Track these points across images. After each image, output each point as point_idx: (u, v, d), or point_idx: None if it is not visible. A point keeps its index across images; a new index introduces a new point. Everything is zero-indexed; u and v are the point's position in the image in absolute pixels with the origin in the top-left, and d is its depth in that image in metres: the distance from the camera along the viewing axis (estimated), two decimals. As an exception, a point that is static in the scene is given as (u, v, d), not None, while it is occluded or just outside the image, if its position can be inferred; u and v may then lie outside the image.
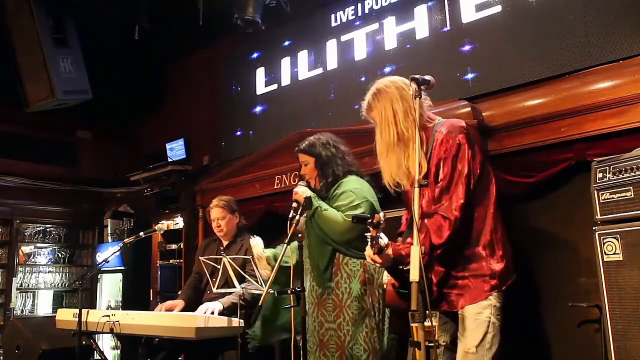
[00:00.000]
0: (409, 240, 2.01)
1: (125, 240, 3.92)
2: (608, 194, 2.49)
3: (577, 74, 3.26)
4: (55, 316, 3.64)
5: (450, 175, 2.05)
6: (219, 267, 3.31)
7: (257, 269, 2.94)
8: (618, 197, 2.45)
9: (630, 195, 2.40)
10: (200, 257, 3.51)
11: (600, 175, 2.54)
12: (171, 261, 5.70)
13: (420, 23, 4.10)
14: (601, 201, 2.51)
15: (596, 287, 2.51)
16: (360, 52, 4.48)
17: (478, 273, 2.05)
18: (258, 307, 2.47)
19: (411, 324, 1.64)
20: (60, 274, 6.97)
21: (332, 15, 4.74)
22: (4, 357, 4.74)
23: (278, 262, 2.55)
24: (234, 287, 3.15)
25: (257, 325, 3.08)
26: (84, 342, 3.50)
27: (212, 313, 3.16)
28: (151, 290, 5.86)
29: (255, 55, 5.41)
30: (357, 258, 2.69)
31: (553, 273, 3.15)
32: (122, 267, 6.16)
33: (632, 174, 2.42)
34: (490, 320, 2.02)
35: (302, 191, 2.73)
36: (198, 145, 5.96)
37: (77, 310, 3.31)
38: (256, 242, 3.02)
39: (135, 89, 6.28)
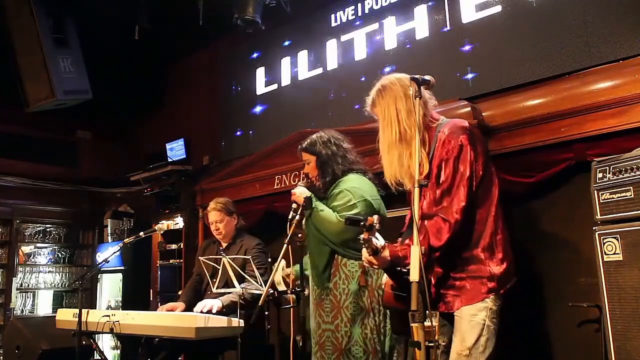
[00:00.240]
0: (407, 241, 2.01)
1: (125, 240, 3.92)
2: (608, 194, 2.49)
3: (577, 74, 3.26)
4: (55, 316, 3.64)
5: (452, 177, 2.02)
6: (219, 267, 3.31)
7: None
8: (618, 197, 2.45)
9: (630, 195, 2.40)
10: (200, 258, 3.51)
11: (600, 175, 2.54)
12: (171, 261, 5.70)
13: (420, 23, 4.10)
14: (601, 201, 2.51)
15: (596, 287, 2.51)
16: (360, 52, 4.48)
17: (476, 275, 2.03)
18: (258, 307, 2.47)
19: (411, 324, 1.64)
20: (60, 274, 6.97)
21: (332, 15, 4.74)
22: (4, 357, 4.74)
23: (278, 262, 2.55)
24: (234, 287, 3.15)
25: None
26: (84, 342, 3.50)
27: (211, 310, 3.16)
28: (151, 290, 5.86)
29: (255, 55, 5.41)
30: (355, 259, 2.68)
31: (553, 273, 3.15)
32: (122, 267, 6.16)
33: (632, 174, 2.42)
34: (485, 323, 1.99)
35: (300, 192, 2.72)
36: (198, 145, 5.96)
37: (77, 310, 3.31)
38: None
39: (135, 89, 6.28)
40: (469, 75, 3.76)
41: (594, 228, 2.50)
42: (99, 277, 6.65)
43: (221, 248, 3.72)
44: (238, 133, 5.46)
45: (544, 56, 3.41)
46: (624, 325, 2.33)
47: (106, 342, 5.99)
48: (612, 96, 2.93)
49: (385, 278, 2.36)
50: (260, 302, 2.47)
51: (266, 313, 3.94)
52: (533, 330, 3.14)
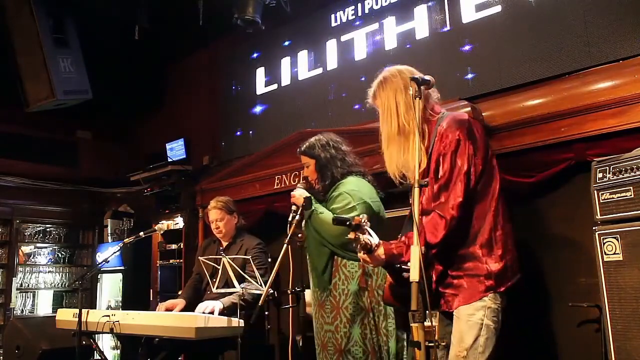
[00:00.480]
0: (403, 238, 1.99)
1: (125, 240, 3.92)
2: (608, 194, 2.49)
3: (577, 74, 3.26)
4: (55, 316, 3.64)
5: (450, 172, 1.98)
6: (218, 267, 3.31)
7: None
8: (618, 197, 2.45)
9: (630, 195, 2.41)
10: (200, 258, 3.51)
11: (600, 175, 2.55)
12: (171, 261, 5.70)
13: (420, 23, 4.10)
14: (601, 201, 2.51)
15: (596, 287, 2.51)
16: (360, 52, 4.48)
17: (473, 273, 1.98)
18: (258, 307, 2.47)
19: (411, 324, 1.63)
20: (60, 274, 6.97)
21: (332, 15, 4.74)
22: (4, 357, 4.74)
23: (278, 262, 2.55)
24: (234, 287, 3.15)
25: None
26: (84, 342, 3.50)
27: (212, 311, 3.16)
28: (151, 290, 5.86)
29: (255, 55, 5.41)
30: (355, 260, 2.67)
31: (553, 273, 3.15)
32: (122, 267, 6.16)
33: (632, 174, 2.42)
34: (484, 322, 1.93)
35: (299, 194, 2.72)
36: (198, 145, 5.96)
37: (77, 310, 3.31)
38: None
39: (135, 89, 6.28)
40: (469, 75, 3.76)
41: (594, 228, 2.50)
42: (99, 277, 6.65)
43: (221, 248, 3.72)
44: (238, 133, 5.46)
45: (544, 56, 3.41)
46: (624, 325, 2.33)
47: (106, 342, 5.99)
48: (612, 96, 2.94)
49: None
50: (260, 302, 2.47)
51: (266, 313, 3.95)
52: (533, 330, 3.14)
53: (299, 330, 2.90)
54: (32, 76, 4.82)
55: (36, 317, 6.36)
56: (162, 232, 3.95)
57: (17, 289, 6.48)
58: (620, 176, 2.46)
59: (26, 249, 6.76)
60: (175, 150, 6.04)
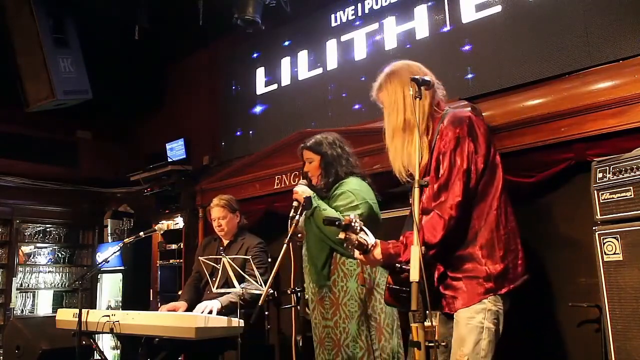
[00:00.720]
0: (401, 238, 1.97)
1: (125, 240, 3.92)
2: (608, 194, 2.49)
3: (577, 74, 3.27)
4: (55, 316, 3.64)
5: (449, 171, 1.94)
6: (218, 267, 3.31)
7: None
8: (618, 197, 2.45)
9: (630, 195, 2.41)
10: (200, 257, 3.51)
11: (600, 175, 2.55)
12: (171, 261, 5.70)
13: (420, 23, 4.10)
14: (601, 201, 2.51)
15: (596, 287, 2.51)
16: (360, 52, 4.49)
17: (472, 275, 1.93)
18: (258, 307, 2.47)
19: (411, 324, 1.63)
20: (60, 274, 6.97)
21: (332, 15, 4.74)
22: (4, 357, 4.74)
23: (278, 261, 2.54)
24: (234, 287, 3.15)
25: None
26: (84, 342, 3.50)
27: (211, 312, 3.16)
28: (151, 290, 5.86)
29: (255, 55, 5.41)
30: (354, 258, 2.69)
31: (553, 273, 3.16)
32: (122, 267, 6.16)
33: (632, 174, 2.42)
34: (484, 325, 1.89)
35: (302, 190, 2.73)
36: (198, 145, 5.96)
37: (77, 310, 3.31)
38: None
39: (135, 89, 6.28)
40: (469, 75, 3.76)
41: (594, 228, 2.50)
42: (99, 277, 6.65)
43: (222, 247, 3.72)
44: (238, 133, 5.46)
45: (544, 56, 3.41)
46: (624, 325, 2.33)
47: (106, 342, 5.99)
48: (612, 96, 2.94)
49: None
50: (260, 302, 2.47)
51: (266, 313, 3.95)
52: (533, 330, 3.14)
53: (300, 330, 2.90)
54: (32, 76, 4.82)
55: (36, 317, 6.36)
56: (162, 232, 3.95)
57: (17, 289, 6.47)
58: (620, 176, 2.46)
59: (26, 249, 6.76)
60: (175, 150, 6.04)
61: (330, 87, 4.66)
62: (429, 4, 4.07)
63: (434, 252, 1.93)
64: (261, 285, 3.05)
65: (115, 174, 6.69)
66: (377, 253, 1.93)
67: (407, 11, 4.20)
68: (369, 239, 1.91)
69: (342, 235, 1.84)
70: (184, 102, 6.34)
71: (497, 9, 3.68)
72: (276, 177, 4.42)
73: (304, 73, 4.90)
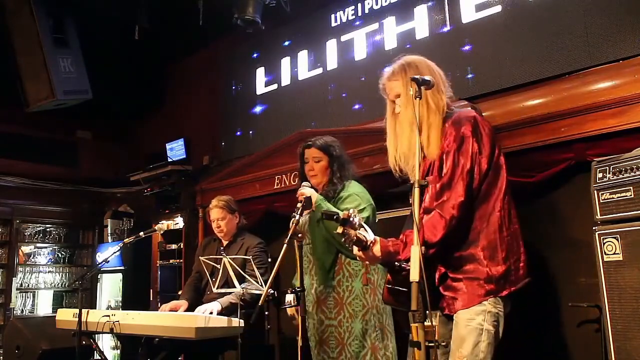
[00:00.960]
0: (401, 236, 1.97)
1: (125, 240, 3.92)
2: (608, 194, 2.49)
3: (577, 74, 3.26)
4: (55, 316, 3.64)
5: (452, 171, 1.93)
6: (219, 267, 3.31)
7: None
8: (618, 197, 2.45)
9: (630, 195, 2.41)
10: (200, 257, 3.51)
11: (600, 175, 2.55)
12: (171, 261, 5.70)
13: (420, 23, 4.10)
14: (601, 201, 2.51)
15: (596, 287, 2.51)
16: (360, 52, 4.48)
17: (472, 276, 1.92)
18: (258, 307, 2.47)
19: (411, 324, 1.62)
20: (60, 274, 6.97)
21: (332, 15, 4.74)
22: (4, 357, 4.74)
23: (278, 261, 2.54)
24: (234, 287, 3.15)
25: None
26: (84, 342, 3.50)
27: (211, 314, 3.16)
28: (151, 290, 5.86)
29: (255, 55, 5.41)
30: (357, 260, 2.71)
31: (553, 273, 3.15)
32: (122, 267, 6.16)
33: (632, 174, 2.42)
34: (484, 327, 1.88)
35: (309, 192, 2.73)
36: (198, 145, 5.96)
37: (77, 310, 3.31)
38: None
39: (135, 89, 6.29)
40: (469, 75, 3.76)
41: (594, 228, 2.50)
42: (99, 277, 6.65)
43: (222, 247, 3.72)
44: (238, 133, 5.46)
45: (544, 56, 3.41)
46: (624, 325, 2.33)
47: (106, 342, 5.99)
48: (612, 96, 2.94)
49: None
50: (260, 302, 2.47)
51: (266, 313, 3.95)
52: (533, 330, 3.14)
53: (303, 331, 2.91)
54: (32, 76, 4.83)
55: (36, 317, 6.36)
56: (162, 232, 3.95)
57: (17, 289, 6.48)
58: (620, 176, 2.46)
59: (26, 249, 6.76)
60: (175, 150, 6.04)
61: (330, 87, 4.66)
62: (429, 4, 4.07)
63: (434, 251, 1.92)
64: (262, 285, 3.06)
65: (115, 174, 6.69)
66: (377, 250, 1.92)
67: (407, 11, 4.20)
68: (369, 235, 1.90)
69: (339, 230, 1.83)
70: (184, 102, 6.34)
71: (497, 9, 3.68)
72: (276, 177, 4.42)
73: (304, 73, 4.90)
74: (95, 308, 5.72)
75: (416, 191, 1.76)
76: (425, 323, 1.62)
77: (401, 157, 2.09)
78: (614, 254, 2.40)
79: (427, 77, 1.93)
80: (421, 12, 4.11)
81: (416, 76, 1.91)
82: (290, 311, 2.96)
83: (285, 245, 2.55)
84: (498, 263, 1.92)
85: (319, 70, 4.78)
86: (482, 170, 1.96)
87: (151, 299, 5.81)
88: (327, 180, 2.88)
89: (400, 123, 2.10)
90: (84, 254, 7.16)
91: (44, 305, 6.76)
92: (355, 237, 1.86)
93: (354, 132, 3.90)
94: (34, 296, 6.73)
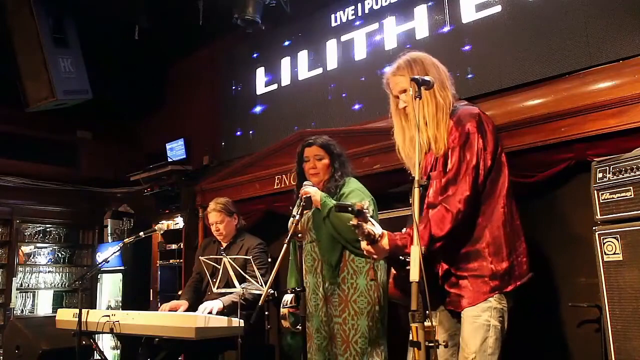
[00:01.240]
0: (407, 230, 1.97)
1: (125, 240, 3.92)
2: (608, 194, 2.49)
3: (577, 74, 3.26)
4: (55, 316, 3.65)
5: (458, 166, 1.95)
6: (219, 267, 3.31)
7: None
8: (618, 197, 2.45)
9: (630, 195, 2.40)
10: (200, 257, 3.51)
11: (600, 175, 2.54)
12: (171, 261, 5.70)
13: (420, 23, 4.10)
14: (601, 201, 2.51)
15: (596, 287, 2.51)
16: (360, 52, 4.48)
17: (477, 273, 1.95)
18: (258, 307, 2.47)
19: (411, 324, 1.63)
20: (60, 274, 6.97)
21: (332, 15, 4.74)
22: (4, 357, 4.75)
23: (278, 261, 2.54)
24: (235, 287, 3.15)
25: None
26: (84, 342, 3.50)
27: (212, 312, 3.16)
28: (151, 290, 5.86)
29: (255, 55, 5.41)
30: (363, 257, 2.73)
31: (553, 273, 3.15)
32: (122, 267, 6.16)
33: (632, 174, 2.42)
34: (490, 323, 1.91)
35: (313, 190, 2.74)
36: (198, 145, 5.96)
37: (77, 310, 3.31)
38: None
39: (135, 89, 6.28)
40: (469, 75, 3.76)
41: (594, 228, 2.50)
42: (99, 277, 6.65)
43: (221, 248, 3.72)
44: (238, 133, 5.46)
45: (544, 56, 3.41)
46: (624, 325, 2.33)
47: (106, 342, 5.99)
48: (612, 96, 2.93)
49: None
50: (261, 302, 2.47)
51: (266, 313, 3.95)
52: (533, 330, 3.14)
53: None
54: (32, 76, 4.82)
55: (36, 317, 6.36)
56: (162, 232, 3.96)
57: (17, 289, 6.47)
58: (620, 176, 2.46)
59: (26, 249, 6.76)
60: (175, 150, 6.04)
61: (330, 87, 4.66)
62: (429, 4, 4.07)
63: (440, 244, 1.93)
64: (262, 285, 3.06)
65: (115, 174, 6.69)
66: (385, 243, 1.92)
67: (407, 11, 4.20)
68: (376, 229, 1.91)
69: (354, 222, 1.83)
70: (184, 102, 6.34)
71: (497, 9, 3.68)
72: (276, 177, 4.42)
73: (304, 73, 4.90)
74: (95, 308, 5.72)
75: (416, 191, 1.77)
76: (425, 323, 1.62)
77: (407, 151, 2.13)
78: (614, 254, 2.40)
79: (427, 78, 1.95)
80: (421, 12, 4.11)
81: (416, 77, 1.92)
82: (283, 312, 2.96)
83: (285, 245, 2.55)
84: (502, 259, 1.95)
85: (319, 70, 4.78)
86: (486, 167, 1.98)
87: (151, 299, 5.81)
88: (328, 178, 2.92)
89: (407, 118, 2.13)
90: (84, 254, 7.16)
91: (44, 305, 6.76)
92: (367, 231, 1.86)
93: (354, 132, 3.90)
94: (34, 296, 6.73)
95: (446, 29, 3.95)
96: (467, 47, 3.81)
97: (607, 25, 3.18)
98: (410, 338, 1.61)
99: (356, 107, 4.41)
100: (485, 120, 2.05)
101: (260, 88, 5.29)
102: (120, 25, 5.11)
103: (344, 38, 4.62)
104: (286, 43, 5.11)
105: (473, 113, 2.04)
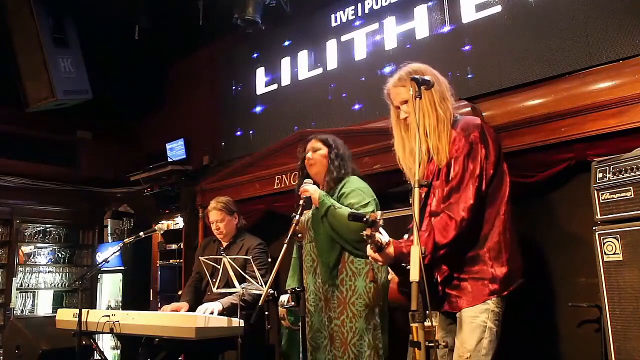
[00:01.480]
0: (411, 237, 1.98)
1: (125, 240, 3.92)
2: (608, 194, 2.49)
3: (577, 74, 3.26)
4: (55, 316, 3.64)
5: (461, 175, 1.99)
6: (219, 267, 3.31)
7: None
8: (618, 197, 2.45)
9: (630, 195, 2.40)
10: (200, 257, 3.50)
11: (600, 175, 2.54)
12: (171, 261, 5.70)
13: (420, 23, 4.10)
14: (601, 201, 2.51)
15: (596, 287, 2.51)
16: (360, 52, 4.48)
17: (478, 276, 1.99)
18: (258, 307, 2.47)
19: (411, 324, 1.63)
20: (60, 274, 6.97)
21: (332, 15, 4.74)
22: (4, 357, 4.75)
23: (278, 261, 2.54)
24: (235, 287, 3.15)
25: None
26: (84, 342, 3.50)
27: (212, 313, 3.16)
28: (151, 290, 5.86)
29: (255, 55, 5.41)
30: (362, 257, 2.72)
31: (553, 273, 3.15)
32: (122, 267, 6.16)
33: (632, 174, 2.42)
34: (487, 325, 1.95)
35: (312, 189, 2.74)
36: (198, 145, 5.96)
37: (77, 310, 3.31)
38: None
39: (135, 89, 6.28)
40: (469, 75, 3.76)
41: (594, 228, 2.50)
42: (99, 277, 6.65)
43: (222, 248, 3.72)
44: (238, 133, 5.46)
45: (544, 56, 3.41)
46: (624, 325, 2.33)
47: (106, 342, 5.99)
48: (612, 96, 2.93)
49: (390, 275, 2.36)
50: (261, 302, 2.47)
51: (266, 313, 3.95)
52: (533, 330, 3.14)
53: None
54: (32, 76, 4.82)
55: (36, 317, 6.36)
56: (162, 232, 3.95)
57: (17, 289, 6.48)
58: (620, 176, 2.46)
59: (26, 249, 6.77)
60: (175, 150, 6.04)
61: (331, 87, 4.66)
62: (429, 4, 4.07)
63: (443, 252, 1.96)
64: (262, 285, 3.06)
65: (115, 174, 6.69)
66: (391, 251, 1.95)
67: (407, 11, 4.20)
68: (383, 237, 1.93)
69: (368, 232, 1.84)
70: (184, 102, 6.34)
71: (497, 9, 3.68)
72: (276, 177, 4.42)
73: (304, 73, 4.90)
74: (95, 308, 5.72)
75: (416, 191, 1.78)
76: (425, 323, 1.62)
77: (407, 162, 2.17)
78: (614, 254, 2.40)
79: (426, 77, 1.98)
80: (421, 12, 4.11)
81: (416, 76, 1.95)
82: (282, 312, 2.96)
83: (285, 245, 2.55)
84: (502, 264, 2.00)
85: (319, 70, 4.78)
86: (488, 175, 2.02)
87: (151, 299, 5.81)
88: (325, 170, 2.89)
89: (407, 129, 2.17)
90: (84, 254, 7.17)
91: (44, 305, 6.76)
92: (378, 240, 1.88)
93: (354, 132, 3.89)
94: (34, 296, 6.73)
95: (446, 29, 3.95)
96: (467, 47, 3.81)
97: (607, 25, 3.18)
98: (411, 338, 1.62)
99: (356, 107, 4.41)
100: (487, 130, 2.10)
101: (260, 88, 5.29)
102: (120, 25, 5.11)
103: (344, 38, 4.62)
104: (286, 43, 5.11)
105: (476, 124, 2.08)
